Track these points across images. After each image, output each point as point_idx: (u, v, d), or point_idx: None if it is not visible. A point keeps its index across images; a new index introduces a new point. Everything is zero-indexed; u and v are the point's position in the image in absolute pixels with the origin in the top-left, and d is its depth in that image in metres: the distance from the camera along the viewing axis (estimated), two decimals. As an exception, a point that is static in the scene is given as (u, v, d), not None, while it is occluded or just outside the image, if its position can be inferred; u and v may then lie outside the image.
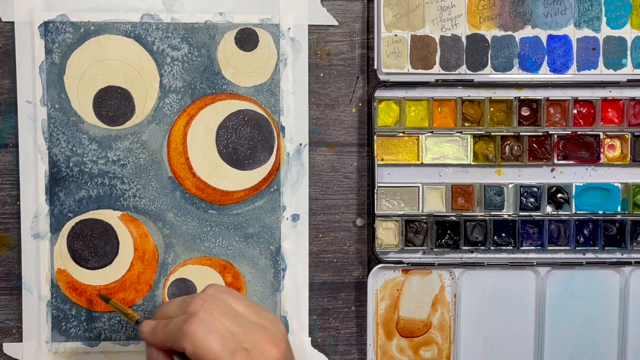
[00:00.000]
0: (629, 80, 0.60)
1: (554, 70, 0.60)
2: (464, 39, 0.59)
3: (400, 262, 0.60)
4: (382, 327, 0.61)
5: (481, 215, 0.60)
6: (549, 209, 0.61)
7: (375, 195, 0.59)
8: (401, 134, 0.60)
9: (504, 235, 0.60)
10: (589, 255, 0.61)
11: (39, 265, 0.59)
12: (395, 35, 0.59)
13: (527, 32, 0.59)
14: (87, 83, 0.58)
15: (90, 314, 0.59)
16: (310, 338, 0.61)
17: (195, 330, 0.43)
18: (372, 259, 0.61)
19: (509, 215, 0.60)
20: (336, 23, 0.60)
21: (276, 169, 0.60)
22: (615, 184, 0.61)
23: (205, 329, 0.43)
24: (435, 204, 0.60)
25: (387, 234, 0.60)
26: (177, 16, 0.58)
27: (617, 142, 0.61)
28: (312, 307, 0.61)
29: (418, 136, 0.60)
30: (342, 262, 0.61)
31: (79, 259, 0.59)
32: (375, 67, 0.59)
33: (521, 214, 0.60)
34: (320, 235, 0.61)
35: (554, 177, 0.61)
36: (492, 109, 0.60)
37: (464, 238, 0.60)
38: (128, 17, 0.58)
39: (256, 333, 0.44)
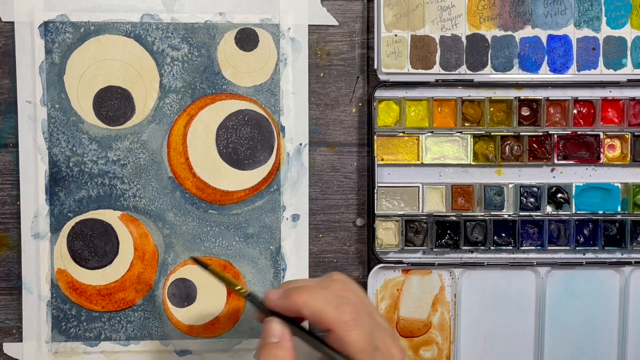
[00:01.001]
0: (629, 80, 0.60)
1: (554, 70, 0.60)
2: (464, 39, 0.59)
3: (400, 262, 0.60)
4: (382, 327, 0.61)
5: (481, 215, 0.60)
6: (549, 209, 0.61)
7: (375, 195, 0.59)
8: (401, 134, 0.60)
9: (504, 235, 0.60)
10: (589, 255, 0.61)
11: (39, 265, 0.59)
12: (395, 35, 0.59)
13: (527, 32, 0.59)
14: (87, 83, 0.58)
15: (90, 314, 0.59)
16: (310, 338, 0.61)
17: (348, 319, 0.42)
18: (372, 259, 0.61)
19: (509, 215, 0.60)
20: (336, 23, 0.60)
21: (276, 169, 0.60)
22: (615, 184, 0.61)
23: (356, 320, 0.42)
24: (435, 204, 0.60)
25: (387, 234, 0.60)
26: (177, 16, 0.58)
27: (617, 142, 0.61)
28: (312, 307, 0.61)
29: (418, 136, 0.60)
30: (342, 262, 0.61)
31: (79, 259, 0.59)
32: (375, 67, 0.59)
33: (521, 214, 0.60)
34: (320, 235, 0.61)
35: (554, 177, 0.61)
36: (492, 109, 0.60)
37: (464, 238, 0.60)
38: (128, 17, 0.58)
39: (385, 334, 0.44)
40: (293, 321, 0.44)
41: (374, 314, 0.45)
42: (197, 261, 0.50)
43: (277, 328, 0.44)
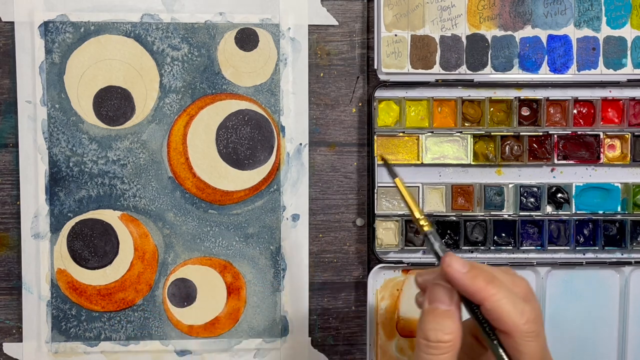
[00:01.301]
0: (629, 80, 0.60)
1: (554, 70, 0.60)
2: (464, 39, 0.59)
3: (400, 262, 0.60)
4: (382, 327, 0.61)
5: (481, 215, 0.60)
6: (549, 209, 0.61)
7: (375, 195, 0.59)
8: (401, 134, 0.60)
9: (504, 235, 0.60)
10: (589, 255, 0.61)
11: (39, 265, 0.59)
12: (395, 35, 0.59)
13: (527, 32, 0.59)
14: (87, 83, 0.58)
15: (90, 314, 0.59)
16: (310, 338, 0.61)
17: (531, 330, 0.39)
18: (372, 259, 0.61)
19: (509, 215, 0.60)
20: (336, 23, 0.60)
21: (276, 169, 0.60)
22: (615, 184, 0.61)
23: (537, 332, 0.39)
24: (435, 204, 0.60)
25: (387, 234, 0.60)
26: (177, 16, 0.58)
27: (617, 142, 0.61)
28: (312, 307, 0.61)
29: (418, 136, 0.60)
30: (342, 262, 0.61)
31: (79, 259, 0.59)
32: (375, 67, 0.59)
33: (521, 214, 0.60)
34: (320, 235, 0.61)
35: (554, 177, 0.61)
36: (492, 109, 0.60)
37: (464, 238, 0.60)
38: (128, 17, 0.58)
39: (548, 351, 0.41)
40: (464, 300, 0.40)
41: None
42: (386, 165, 0.46)
43: (449, 295, 0.40)
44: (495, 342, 0.40)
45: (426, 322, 0.40)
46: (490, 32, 0.59)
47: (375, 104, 0.59)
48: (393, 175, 0.45)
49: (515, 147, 0.60)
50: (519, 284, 0.41)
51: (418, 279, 0.44)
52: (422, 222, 0.43)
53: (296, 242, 0.60)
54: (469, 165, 0.60)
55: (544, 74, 0.60)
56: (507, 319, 0.39)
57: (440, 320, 0.40)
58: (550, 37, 0.60)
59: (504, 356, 0.40)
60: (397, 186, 0.44)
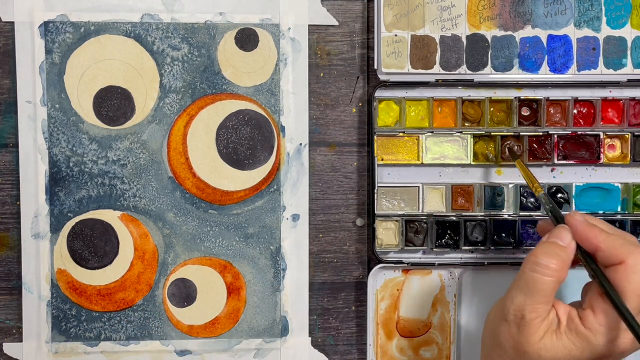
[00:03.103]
0: (629, 80, 0.60)
1: (554, 70, 0.60)
2: (464, 39, 0.59)
3: (400, 262, 0.60)
4: (382, 327, 0.61)
5: (481, 215, 0.60)
6: (549, 209, 0.61)
7: (375, 195, 0.59)
8: (401, 134, 0.60)
9: (504, 235, 0.60)
10: (589, 255, 0.61)
11: (39, 265, 0.59)
12: (395, 35, 0.59)
13: (527, 32, 0.59)
14: (87, 83, 0.58)
15: (90, 314, 0.59)
16: (310, 338, 0.61)
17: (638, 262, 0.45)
18: (372, 259, 0.61)
19: (509, 215, 0.60)
20: (336, 23, 0.60)
21: (276, 169, 0.60)
22: (615, 184, 0.61)
23: None
24: (435, 204, 0.60)
25: (387, 234, 0.60)
26: (177, 16, 0.58)
27: (617, 142, 0.61)
28: (312, 307, 0.61)
29: (418, 136, 0.60)
30: (342, 262, 0.61)
31: (79, 259, 0.59)
32: (375, 67, 0.59)
33: (521, 214, 0.60)
34: (320, 235, 0.61)
35: (554, 177, 0.61)
36: (492, 109, 0.60)
37: (464, 238, 0.60)
38: (128, 17, 0.58)
39: None
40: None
41: None
42: (510, 151, 0.58)
43: (568, 237, 0.47)
44: (601, 274, 0.46)
45: (541, 248, 0.47)
46: (490, 32, 0.59)
47: (375, 104, 0.59)
48: (515, 157, 0.58)
49: (515, 147, 0.60)
50: (629, 235, 0.49)
51: (543, 225, 0.52)
52: (539, 190, 0.53)
53: (296, 242, 0.60)
54: (469, 165, 0.60)
55: (544, 74, 0.60)
56: (619, 251, 0.45)
57: (555, 249, 0.47)
58: (550, 37, 0.60)
59: (609, 285, 0.46)
60: (519, 166, 0.56)
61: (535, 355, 0.46)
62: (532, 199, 0.60)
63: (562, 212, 0.50)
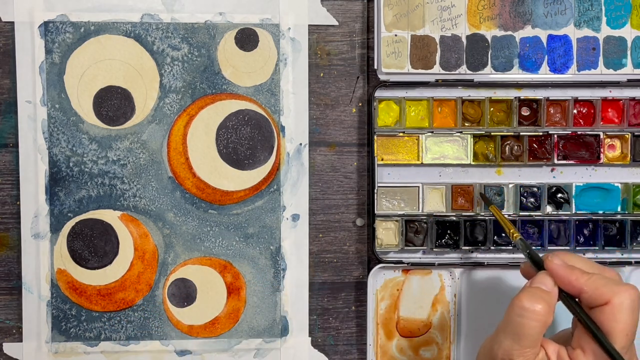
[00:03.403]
0: (629, 80, 0.60)
1: (554, 70, 0.60)
2: (464, 39, 0.59)
3: (400, 262, 0.60)
4: (382, 327, 0.61)
5: (481, 215, 0.60)
6: (549, 209, 0.61)
7: (375, 195, 0.59)
8: (401, 134, 0.60)
9: (504, 235, 0.60)
10: (589, 255, 0.61)
11: (39, 265, 0.59)
12: (395, 35, 0.59)
13: (527, 32, 0.59)
14: (87, 83, 0.58)
15: (90, 314, 0.59)
16: (310, 338, 0.61)
17: (626, 302, 0.44)
18: (372, 259, 0.61)
19: (509, 215, 0.60)
20: (336, 23, 0.60)
21: (276, 169, 0.60)
22: (615, 184, 0.61)
23: (632, 306, 0.45)
24: (435, 204, 0.60)
25: (387, 234, 0.60)
26: (177, 16, 0.58)
27: (617, 142, 0.61)
28: (312, 307, 0.61)
29: (418, 136, 0.60)
30: (342, 262, 0.61)
31: (79, 259, 0.59)
32: (375, 67, 0.59)
33: (521, 214, 0.60)
34: (320, 235, 0.61)
35: (554, 177, 0.61)
36: (492, 108, 0.60)
37: (464, 238, 0.60)
38: (128, 17, 0.58)
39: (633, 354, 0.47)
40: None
41: None
42: (483, 197, 0.59)
43: (550, 282, 0.47)
44: (585, 317, 0.46)
45: (526, 292, 0.47)
46: (490, 32, 0.59)
47: (375, 104, 0.59)
48: (488, 203, 0.58)
49: (515, 147, 0.60)
50: (609, 270, 0.48)
51: (524, 268, 0.51)
52: (515, 235, 0.53)
53: (296, 242, 0.60)
54: (469, 165, 0.60)
55: (544, 74, 0.60)
56: (602, 292, 0.45)
57: (538, 294, 0.46)
58: (550, 37, 0.60)
59: (594, 327, 0.45)
60: (493, 212, 0.57)
61: None
62: (532, 199, 0.60)
63: (540, 255, 0.50)
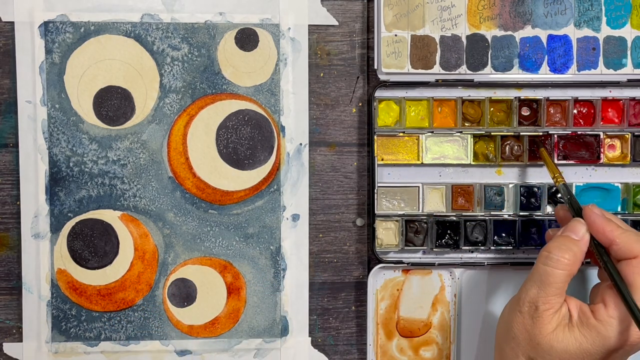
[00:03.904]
0: (629, 80, 0.60)
1: (554, 70, 0.60)
2: (464, 39, 0.59)
3: (400, 262, 0.60)
4: (382, 327, 0.61)
5: (481, 215, 0.60)
6: (549, 209, 0.61)
7: (375, 195, 0.59)
8: (401, 134, 0.60)
9: (504, 235, 0.60)
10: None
11: (39, 265, 0.59)
12: (395, 35, 0.59)
13: (527, 32, 0.59)
14: (87, 83, 0.58)
15: (90, 314, 0.59)
16: (310, 338, 0.61)
17: None
18: (372, 259, 0.61)
19: (509, 215, 0.60)
20: (336, 23, 0.60)
21: (276, 169, 0.60)
22: (615, 184, 0.61)
23: None
24: (435, 204, 0.60)
25: (387, 234, 0.60)
26: (177, 16, 0.58)
27: (617, 142, 0.61)
28: (312, 307, 0.61)
29: (418, 136, 0.60)
30: (342, 262, 0.61)
31: (79, 259, 0.59)
32: (375, 67, 0.59)
33: (521, 214, 0.60)
34: (320, 235, 0.61)
35: (554, 177, 0.61)
36: (492, 108, 0.60)
37: (464, 238, 0.60)
38: (128, 17, 0.58)
39: None
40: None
41: None
42: (536, 143, 0.59)
43: (582, 230, 0.49)
44: (613, 266, 0.48)
45: (555, 241, 0.49)
46: (490, 32, 0.59)
47: (375, 104, 0.59)
48: (539, 145, 0.59)
49: (516, 147, 0.60)
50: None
51: (560, 212, 0.54)
52: (559, 180, 0.54)
53: (296, 242, 0.60)
54: (469, 165, 0.60)
55: (544, 74, 0.60)
56: (634, 246, 0.47)
57: (568, 243, 0.49)
58: (550, 37, 0.60)
59: (619, 277, 0.47)
60: (542, 155, 0.58)
61: (547, 347, 0.48)
62: (532, 199, 0.60)
63: (581, 205, 0.52)
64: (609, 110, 0.61)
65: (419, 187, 0.60)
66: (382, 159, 0.60)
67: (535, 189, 0.60)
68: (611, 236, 0.48)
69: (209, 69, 0.59)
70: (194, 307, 0.60)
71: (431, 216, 0.60)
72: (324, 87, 0.61)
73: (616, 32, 0.60)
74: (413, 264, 0.60)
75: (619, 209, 0.61)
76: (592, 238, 0.50)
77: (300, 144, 0.60)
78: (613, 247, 0.48)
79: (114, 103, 0.59)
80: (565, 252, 0.48)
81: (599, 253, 0.49)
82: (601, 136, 0.60)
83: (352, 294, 0.62)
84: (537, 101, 0.60)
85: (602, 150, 0.60)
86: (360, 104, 0.61)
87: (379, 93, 0.60)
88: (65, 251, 0.59)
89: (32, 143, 0.58)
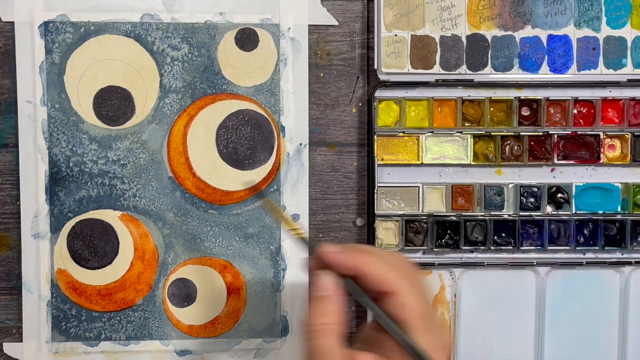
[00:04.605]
0: (629, 80, 0.60)
1: (554, 70, 0.60)
2: (464, 39, 0.59)
3: (400, 262, 0.60)
4: (382, 327, 0.61)
5: (481, 215, 0.60)
6: (549, 209, 0.61)
7: (375, 195, 0.59)
8: (401, 134, 0.60)
9: (504, 235, 0.60)
10: (589, 255, 0.61)
11: (39, 265, 0.59)
12: (395, 35, 0.59)
13: (527, 32, 0.59)
14: (87, 83, 0.58)
15: (90, 314, 0.59)
16: (310, 338, 0.61)
17: (413, 284, 0.41)
18: (372, 259, 0.61)
19: (509, 215, 0.60)
20: (336, 23, 0.60)
21: (276, 169, 0.60)
22: (615, 184, 0.61)
23: (419, 287, 0.41)
24: (435, 204, 0.60)
25: (387, 234, 0.60)
26: (177, 16, 0.58)
27: (617, 142, 0.61)
28: (312, 307, 0.61)
29: (418, 136, 0.60)
30: (342, 262, 0.61)
31: (79, 259, 0.59)
32: (375, 67, 0.59)
33: (521, 214, 0.60)
34: (320, 235, 0.61)
35: (554, 177, 0.61)
36: (492, 108, 0.60)
37: (464, 238, 0.60)
38: (128, 17, 0.58)
39: (438, 328, 0.42)
40: (345, 278, 0.42)
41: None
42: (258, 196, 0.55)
43: (329, 281, 0.42)
44: (375, 305, 0.41)
45: (311, 309, 0.42)
46: (490, 32, 0.59)
47: (375, 104, 0.59)
48: (262, 196, 0.55)
49: (515, 147, 0.60)
50: (393, 255, 0.43)
51: (311, 266, 0.45)
52: (296, 233, 0.47)
53: (296, 242, 0.60)
54: (469, 165, 0.60)
55: (544, 74, 0.60)
56: (388, 278, 0.41)
57: (323, 304, 0.42)
58: (550, 37, 0.60)
59: (384, 316, 0.41)
60: (267, 206, 0.53)
61: None
62: (532, 199, 0.60)
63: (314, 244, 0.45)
64: (609, 110, 0.61)
65: (419, 187, 0.60)
66: (382, 159, 0.60)
67: (535, 189, 0.60)
68: (359, 265, 0.41)
69: (209, 69, 0.59)
70: (194, 307, 0.60)
71: (431, 216, 0.60)
72: (324, 87, 0.61)
73: (616, 32, 0.60)
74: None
75: (619, 208, 0.61)
76: (345, 281, 0.42)
77: (300, 144, 0.60)
78: (366, 273, 0.41)
79: (114, 103, 0.59)
80: (323, 316, 0.41)
81: (358, 295, 0.42)
82: (601, 136, 0.60)
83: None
84: (537, 101, 0.60)
85: (602, 150, 0.60)
86: (360, 104, 0.61)
87: (379, 93, 0.60)
88: (65, 251, 0.59)
89: (32, 143, 0.58)
